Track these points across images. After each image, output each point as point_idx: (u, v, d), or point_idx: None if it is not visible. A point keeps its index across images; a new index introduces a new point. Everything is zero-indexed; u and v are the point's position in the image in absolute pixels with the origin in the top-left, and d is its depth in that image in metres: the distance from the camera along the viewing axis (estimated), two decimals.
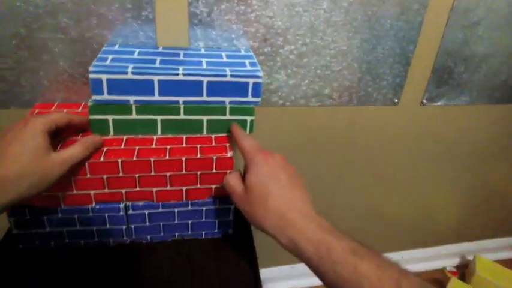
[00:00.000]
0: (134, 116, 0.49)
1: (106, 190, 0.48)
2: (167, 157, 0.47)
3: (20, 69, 0.56)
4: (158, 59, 0.50)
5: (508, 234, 1.19)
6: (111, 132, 0.49)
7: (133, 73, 0.46)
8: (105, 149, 0.47)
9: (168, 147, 0.49)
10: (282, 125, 0.72)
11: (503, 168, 0.97)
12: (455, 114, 0.80)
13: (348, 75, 0.68)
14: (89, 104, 0.47)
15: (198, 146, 0.50)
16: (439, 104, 0.77)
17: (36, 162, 0.39)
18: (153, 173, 0.48)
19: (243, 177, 0.45)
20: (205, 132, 0.52)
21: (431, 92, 0.75)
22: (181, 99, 0.48)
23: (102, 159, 0.46)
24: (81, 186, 0.47)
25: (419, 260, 1.13)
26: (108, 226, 0.50)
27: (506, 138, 0.89)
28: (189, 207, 0.51)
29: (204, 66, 0.50)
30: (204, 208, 0.52)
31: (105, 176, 0.47)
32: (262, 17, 0.59)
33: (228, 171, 0.50)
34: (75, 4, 0.53)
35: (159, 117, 0.50)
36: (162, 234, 0.53)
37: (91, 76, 0.45)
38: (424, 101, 0.75)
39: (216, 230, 0.54)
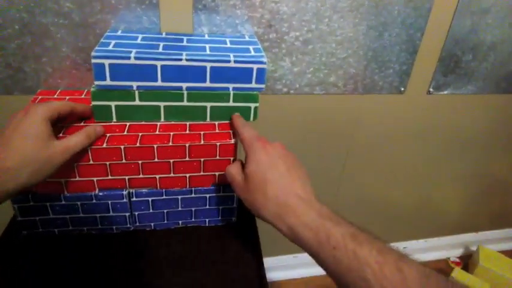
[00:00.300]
0: (137, 102, 0.48)
1: (109, 177, 0.48)
2: (170, 143, 0.47)
3: (22, 54, 0.56)
4: (161, 44, 0.50)
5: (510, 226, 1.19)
6: (114, 119, 0.49)
7: (136, 58, 0.45)
8: (108, 135, 0.47)
9: (172, 133, 0.48)
10: (286, 114, 0.71)
11: (509, 158, 0.96)
12: (461, 103, 0.78)
13: (353, 63, 0.67)
14: (92, 89, 0.47)
15: (202, 132, 0.49)
16: (445, 92, 0.76)
17: (39, 151, 0.39)
18: (156, 160, 0.47)
19: (244, 166, 0.45)
20: (208, 119, 0.51)
21: (438, 81, 0.73)
22: (184, 85, 0.48)
23: (105, 145, 0.45)
24: (84, 173, 0.47)
25: (422, 250, 1.13)
26: (111, 213, 0.50)
27: None
28: (193, 195, 0.51)
29: (208, 51, 0.49)
30: (208, 195, 0.52)
31: (108, 163, 0.47)
32: (267, 2, 0.58)
33: (231, 159, 0.49)
34: None
35: (162, 104, 0.49)
36: (165, 221, 0.53)
37: (93, 61, 0.45)
38: (431, 89, 0.74)
39: (219, 218, 0.54)
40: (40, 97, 0.56)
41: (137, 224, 0.52)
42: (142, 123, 0.50)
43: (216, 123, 0.52)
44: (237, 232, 0.54)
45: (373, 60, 0.67)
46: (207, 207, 0.53)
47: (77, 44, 0.56)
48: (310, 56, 0.64)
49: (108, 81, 0.46)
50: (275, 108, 0.70)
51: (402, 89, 0.72)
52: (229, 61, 0.47)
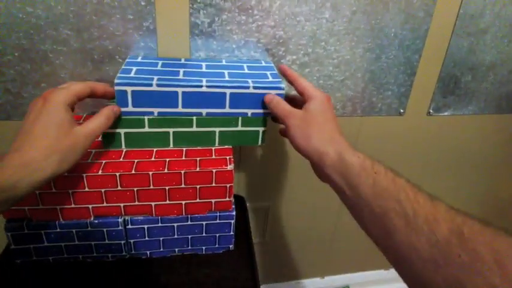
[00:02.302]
0: (147, 129, 0.49)
1: (105, 204, 0.47)
2: (166, 170, 0.46)
3: (22, 81, 0.56)
4: (181, 70, 0.51)
5: None
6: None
7: (158, 85, 0.46)
8: (103, 162, 0.46)
9: (167, 160, 0.48)
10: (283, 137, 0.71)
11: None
12: (462, 124, 0.78)
13: (351, 85, 0.67)
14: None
15: (198, 158, 0.49)
16: (445, 114, 0.75)
17: (62, 139, 0.38)
18: (151, 187, 0.47)
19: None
20: (217, 144, 0.52)
21: (437, 102, 0.73)
22: (204, 111, 0.49)
23: (100, 172, 0.45)
24: (79, 200, 0.46)
25: None
26: (106, 241, 0.49)
27: None
28: (189, 222, 0.50)
29: (227, 77, 0.50)
30: (204, 223, 0.51)
31: (103, 190, 0.46)
32: (263, 27, 0.58)
33: (229, 185, 0.49)
34: (77, 15, 0.52)
35: (171, 130, 0.50)
36: (161, 249, 0.52)
37: (116, 88, 0.45)
38: (431, 111, 0.74)
39: (216, 245, 0.53)
40: None
41: (133, 251, 0.51)
42: (138, 150, 0.50)
43: (213, 148, 0.51)
44: (234, 260, 0.53)
45: (371, 83, 0.67)
46: (204, 234, 0.52)
47: (75, 70, 0.56)
48: (307, 79, 0.64)
49: (130, 108, 0.47)
50: (274, 132, 0.69)
51: (402, 110, 0.72)
52: (248, 87, 0.48)
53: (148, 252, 0.52)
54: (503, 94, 0.76)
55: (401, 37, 0.64)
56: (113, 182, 0.46)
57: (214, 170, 0.47)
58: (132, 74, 0.47)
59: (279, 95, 0.50)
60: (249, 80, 0.49)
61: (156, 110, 0.47)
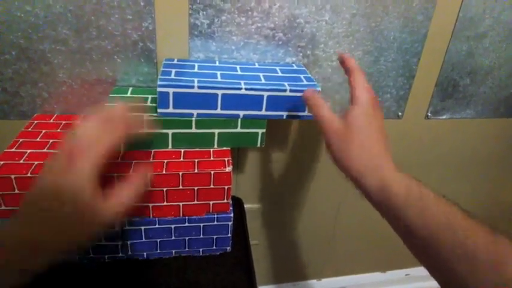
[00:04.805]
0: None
1: None
2: (164, 171, 0.46)
3: (19, 80, 0.56)
4: (218, 73, 0.51)
5: None
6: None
7: (199, 87, 0.47)
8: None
9: (165, 161, 0.48)
10: (282, 138, 0.71)
11: (510, 183, 0.95)
12: (460, 127, 0.78)
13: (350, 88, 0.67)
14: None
15: (196, 160, 0.49)
16: (444, 117, 0.75)
17: (78, 219, 0.32)
18: (149, 188, 0.47)
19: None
20: (216, 145, 0.52)
21: (435, 106, 0.73)
22: (241, 113, 0.50)
23: None
24: None
25: (426, 277, 1.10)
26: (103, 242, 0.49)
27: None
28: (186, 224, 0.50)
29: (263, 80, 0.51)
30: (202, 224, 0.51)
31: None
32: (262, 28, 0.58)
33: (227, 187, 0.48)
34: (75, 15, 0.52)
35: (170, 131, 0.50)
36: (158, 250, 0.52)
37: (159, 89, 0.46)
38: (429, 114, 0.74)
39: (214, 247, 0.53)
40: (36, 121, 0.56)
41: (129, 253, 0.51)
42: (136, 151, 0.49)
43: (211, 150, 0.51)
44: (231, 262, 0.53)
45: (370, 85, 0.67)
46: (201, 236, 0.52)
47: (74, 70, 0.56)
48: None
49: (170, 109, 0.48)
50: (273, 133, 0.69)
51: (400, 113, 0.72)
52: (285, 90, 0.49)
53: (145, 253, 0.52)
54: (502, 98, 0.76)
55: (400, 40, 0.64)
56: (111, 183, 0.45)
57: (212, 172, 0.47)
58: (172, 76, 0.48)
59: None
60: (285, 83, 0.50)
61: (195, 112, 0.48)
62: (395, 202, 0.35)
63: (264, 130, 0.52)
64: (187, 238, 0.51)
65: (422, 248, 0.33)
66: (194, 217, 0.50)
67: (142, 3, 0.53)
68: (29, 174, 0.43)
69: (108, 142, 0.35)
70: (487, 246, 0.29)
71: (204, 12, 0.55)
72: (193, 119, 0.49)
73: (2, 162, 0.44)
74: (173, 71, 0.51)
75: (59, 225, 0.32)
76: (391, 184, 0.36)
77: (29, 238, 0.31)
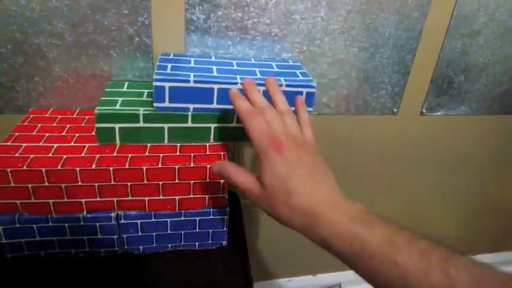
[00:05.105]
0: (141, 124, 0.49)
1: (98, 198, 0.47)
2: (160, 165, 0.46)
3: (14, 74, 0.55)
4: (214, 68, 0.52)
5: (508, 249, 1.18)
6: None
7: (195, 81, 0.47)
8: (97, 156, 0.46)
9: (161, 155, 0.48)
10: None
11: (504, 180, 0.96)
12: (455, 124, 0.79)
13: (345, 84, 0.67)
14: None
15: (192, 154, 0.49)
16: (438, 114, 0.76)
17: None
18: (145, 182, 0.47)
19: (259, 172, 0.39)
20: (212, 140, 0.52)
21: (430, 102, 0.74)
22: None
23: (94, 166, 0.45)
24: (72, 194, 0.46)
25: None
26: (99, 235, 0.49)
27: (505, 149, 0.88)
28: (182, 218, 0.50)
29: (258, 75, 0.51)
30: (198, 218, 0.51)
31: (96, 184, 0.46)
32: (259, 24, 0.58)
33: (222, 181, 0.49)
34: (71, 9, 0.52)
35: (166, 125, 0.50)
36: (154, 244, 0.52)
37: (155, 84, 0.46)
38: (424, 110, 0.74)
39: (209, 241, 0.53)
40: (32, 116, 0.56)
41: (125, 247, 0.51)
42: (132, 145, 0.49)
43: (207, 144, 0.51)
44: (227, 256, 0.53)
45: (366, 82, 0.68)
46: (197, 230, 0.52)
47: (70, 64, 0.56)
48: None
49: (166, 103, 0.48)
50: None
51: (395, 110, 0.72)
52: (281, 85, 0.49)
53: (141, 247, 0.52)
54: (495, 95, 0.77)
55: (395, 37, 0.65)
56: (106, 176, 0.46)
57: (208, 166, 0.47)
58: (168, 71, 0.48)
59: (310, 93, 0.51)
60: (281, 78, 0.50)
61: (191, 106, 0.49)
62: (346, 260, 0.34)
63: None
64: (183, 232, 0.52)
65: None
66: (190, 211, 0.50)
67: None
68: (24, 167, 0.43)
69: None
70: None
71: (200, 7, 0.55)
72: (190, 113, 0.49)
73: None
74: (169, 65, 0.51)
75: None
76: (334, 243, 0.34)
77: None
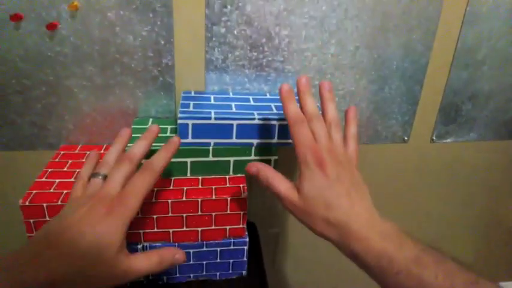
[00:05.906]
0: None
1: None
2: (184, 198, 0.49)
3: (47, 114, 0.60)
4: (233, 104, 0.55)
5: None
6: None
7: (216, 118, 0.50)
8: None
9: (185, 188, 0.51)
10: (292, 165, 0.73)
11: None
12: (465, 150, 0.80)
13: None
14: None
15: (213, 187, 0.51)
16: (448, 140, 0.78)
17: (101, 269, 0.34)
18: (170, 214, 0.49)
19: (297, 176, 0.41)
20: (231, 172, 0.55)
21: (440, 130, 0.76)
22: (255, 141, 0.53)
23: None
24: None
25: None
26: None
27: None
28: (204, 248, 0.52)
29: (274, 110, 0.55)
30: (219, 249, 0.53)
31: None
32: (273, 62, 0.62)
33: (242, 213, 0.51)
34: (101, 54, 0.57)
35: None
36: (177, 275, 0.54)
37: (179, 121, 0.50)
38: (434, 138, 0.76)
39: (230, 271, 0.55)
40: (62, 152, 0.59)
41: (150, 277, 0.53)
42: None
43: (227, 177, 0.54)
44: (247, 285, 0.54)
45: (376, 112, 0.71)
46: (218, 260, 0.54)
47: (98, 103, 0.60)
48: None
49: (189, 139, 0.51)
50: (281, 160, 0.72)
51: (406, 138, 0.75)
52: None
53: (165, 277, 0.54)
54: (503, 121, 0.78)
55: (403, 69, 0.68)
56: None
57: (229, 198, 0.50)
58: (191, 109, 0.52)
59: None
60: None
61: (212, 141, 0.52)
62: (373, 275, 0.35)
63: (276, 157, 0.55)
64: (205, 262, 0.53)
65: None
66: (212, 242, 0.52)
67: (162, 42, 0.57)
68: (59, 203, 0.46)
69: (146, 193, 0.38)
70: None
71: (219, 49, 0.59)
72: (211, 148, 0.52)
73: (34, 192, 0.47)
74: (191, 103, 0.54)
75: (77, 272, 0.33)
76: (364, 258, 0.35)
77: (45, 279, 0.31)
